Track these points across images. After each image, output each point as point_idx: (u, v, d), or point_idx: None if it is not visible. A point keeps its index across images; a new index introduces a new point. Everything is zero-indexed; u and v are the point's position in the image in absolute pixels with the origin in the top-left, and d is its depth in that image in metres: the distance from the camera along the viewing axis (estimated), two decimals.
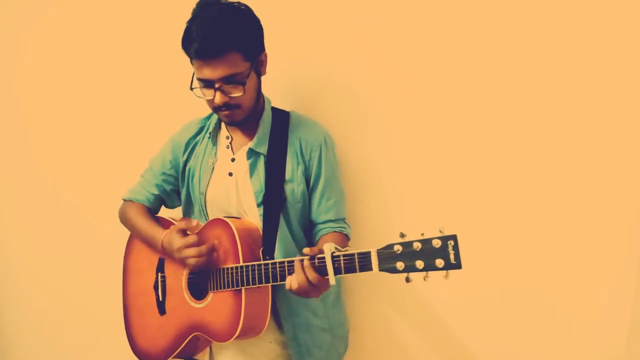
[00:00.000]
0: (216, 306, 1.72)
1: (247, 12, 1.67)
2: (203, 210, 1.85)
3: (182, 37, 1.62)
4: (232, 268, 1.68)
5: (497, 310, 1.89)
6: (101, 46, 2.43)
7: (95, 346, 2.67)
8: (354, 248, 1.49)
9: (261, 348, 1.82)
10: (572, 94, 1.70)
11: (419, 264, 1.36)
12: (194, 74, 1.66)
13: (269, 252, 1.72)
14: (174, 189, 1.96)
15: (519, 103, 1.77)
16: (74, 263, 2.65)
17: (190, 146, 1.90)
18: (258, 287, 1.65)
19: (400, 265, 1.38)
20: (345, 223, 1.87)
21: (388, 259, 1.40)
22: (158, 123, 2.18)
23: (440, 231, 1.35)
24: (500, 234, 1.85)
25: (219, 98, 1.64)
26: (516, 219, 1.83)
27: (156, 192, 1.95)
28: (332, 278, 1.48)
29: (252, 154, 1.78)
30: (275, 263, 1.61)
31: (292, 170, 1.77)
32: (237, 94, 1.65)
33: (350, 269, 1.46)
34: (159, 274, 1.86)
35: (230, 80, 1.62)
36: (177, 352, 1.83)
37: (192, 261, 1.69)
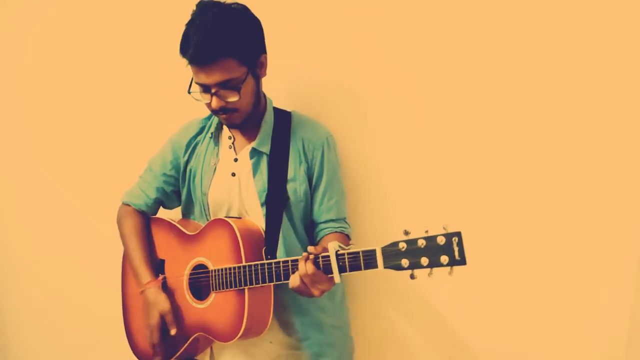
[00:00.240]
0: (218, 306, 1.72)
1: (245, 15, 1.67)
2: (204, 210, 1.85)
3: (180, 41, 1.62)
4: (234, 268, 1.67)
5: (498, 310, 1.89)
6: (101, 46, 2.43)
7: (95, 346, 2.66)
8: (357, 246, 1.49)
9: (262, 348, 1.82)
10: (572, 95, 1.71)
11: (424, 260, 1.37)
12: (192, 78, 1.67)
13: (271, 252, 1.72)
14: (174, 190, 1.96)
15: (519, 103, 1.77)
16: (74, 263, 2.64)
17: (191, 146, 1.90)
18: (261, 286, 1.65)
19: (405, 262, 1.39)
20: (346, 223, 1.88)
21: (393, 256, 1.41)
22: (158, 123, 2.18)
23: (444, 228, 1.36)
24: (501, 234, 1.86)
25: (215, 103, 1.65)
26: (516, 219, 1.83)
27: (155, 195, 1.94)
28: (337, 276, 1.48)
29: (255, 153, 1.78)
30: (278, 262, 1.61)
31: (295, 169, 1.78)
32: (232, 98, 1.65)
33: (355, 267, 1.46)
34: (159, 275, 1.85)
35: (226, 85, 1.63)
36: (178, 353, 1.82)
37: (148, 338, 1.80)
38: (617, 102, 1.67)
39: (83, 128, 2.53)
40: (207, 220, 1.84)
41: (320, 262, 1.51)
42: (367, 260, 1.44)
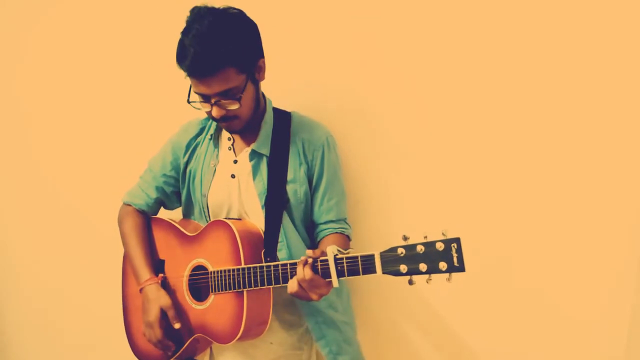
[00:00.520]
0: (218, 308, 1.72)
1: (241, 21, 1.65)
2: (204, 211, 1.85)
3: (176, 51, 1.61)
4: (233, 270, 1.67)
5: (499, 310, 1.90)
6: (101, 46, 2.42)
7: (95, 346, 2.67)
8: (355, 249, 1.49)
9: (262, 349, 1.83)
10: (572, 96, 1.71)
11: (422, 266, 1.37)
12: (190, 88, 1.66)
13: (270, 254, 1.72)
14: (174, 191, 1.96)
15: (520, 105, 1.77)
16: (74, 263, 2.65)
17: (191, 147, 1.90)
18: (260, 289, 1.65)
19: (403, 268, 1.39)
20: (347, 223, 1.87)
21: (391, 261, 1.40)
22: (158, 123, 2.18)
23: (443, 234, 1.35)
24: (501, 234, 1.86)
25: (216, 112, 1.64)
26: (517, 219, 1.83)
27: (155, 195, 1.94)
28: (335, 281, 1.48)
29: (254, 155, 1.77)
30: (277, 265, 1.61)
31: (295, 171, 1.78)
32: (233, 107, 1.64)
33: (353, 272, 1.46)
34: (159, 275, 1.85)
35: (227, 94, 1.62)
36: (178, 353, 1.82)
37: (149, 335, 1.80)
38: (617, 103, 1.66)
39: (83, 128, 2.53)
40: (207, 221, 1.84)
41: (319, 267, 1.50)
42: (365, 265, 1.44)
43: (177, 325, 1.75)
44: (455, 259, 1.33)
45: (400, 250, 1.39)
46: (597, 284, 1.76)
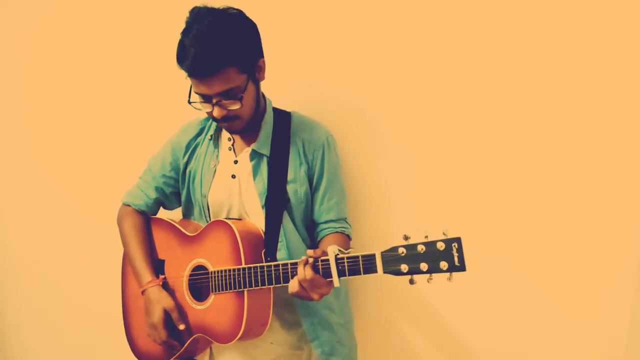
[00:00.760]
0: (218, 308, 1.72)
1: (241, 20, 1.65)
2: (204, 212, 1.85)
3: (176, 51, 1.61)
4: (233, 270, 1.67)
5: (499, 310, 1.90)
6: (101, 47, 2.43)
7: (95, 346, 2.67)
8: (355, 248, 1.49)
9: (262, 349, 1.83)
10: (572, 96, 1.71)
11: (423, 266, 1.37)
12: (191, 88, 1.66)
13: (271, 254, 1.72)
14: (174, 192, 1.96)
15: (520, 105, 1.77)
16: (74, 263, 2.65)
17: (190, 148, 1.89)
18: (260, 288, 1.65)
19: (404, 267, 1.39)
20: (347, 223, 1.87)
21: (392, 261, 1.41)
22: (158, 123, 2.18)
23: (444, 234, 1.36)
24: (502, 233, 1.86)
25: (217, 112, 1.64)
26: (517, 219, 1.83)
27: (155, 195, 1.94)
28: (336, 280, 1.48)
29: (255, 155, 1.77)
30: (277, 265, 1.61)
31: (295, 170, 1.78)
32: (234, 107, 1.64)
33: (354, 271, 1.46)
34: (160, 275, 1.85)
35: (228, 94, 1.62)
36: (177, 353, 1.82)
37: (153, 336, 1.80)
38: (617, 103, 1.67)
39: (83, 128, 2.53)
40: (207, 221, 1.84)
41: (320, 266, 1.50)
42: (366, 264, 1.44)
43: (181, 327, 1.75)
44: (456, 259, 1.33)
45: (401, 250, 1.39)
46: (597, 284, 1.76)
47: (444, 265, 1.34)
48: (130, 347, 1.96)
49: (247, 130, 1.78)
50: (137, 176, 2.00)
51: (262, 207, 1.76)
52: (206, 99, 1.64)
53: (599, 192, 1.72)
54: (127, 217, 1.94)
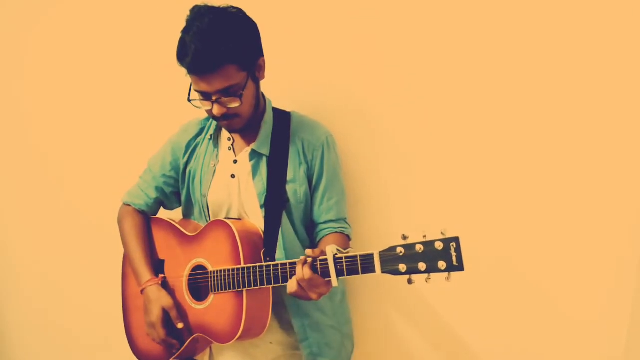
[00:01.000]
0: (217, 308, 1.72)
1: (241, 19, 1.65)
2: (204, 212, 1.85)
3: (177, 49, 1.61)
4: (233, 269, 1.67)
5: (498, 310, 1.90)
6: (101, 47, 2.43)
7: (95, 346, 2.67)
8: (355, 248, 1.49)
9: (262, 349, 1.83)
10: (572, 95, 1.71)
11: (422, 266, 1.36)
12: (191, 86, 1.66)
13: (270, 254, 1.72)
14: (174, 191, 1.96)
15: (520, 105, 1.77)
16: (74, 263, 2.65)
17: (190, 148, 1.90)
18: (259, 288, 1.65)
19: (402, 267, 1.39)
20: (347, 223, 1.87)
21: (390, 261, 1.40)
22: (158, 123, 2.18)
23: (442, 233, 1.35)
24: (502, 233, 1.86)
25: (217, 110, 1.64)
26: (516, 218, 1.83)
27: (155, 195, 1.95)
28: (334, 280, 1.48)
29: (254, 155, 1.78)
30: (276, 265, 1.61)
31: (295, 170, 1.78)
32: (234, 105, 1.64)
33: (352, 271, 1.46)
34: (159, 275, 1.85)
35: (227, 92, 1.62)
36: (177, 353, 1.82)
37: (152, 335, 1.81)
38: (617, 103, 1.66)
39: (83, 128, 2.54)
40: (207, 221, 1.84)
41: (318, 266, 1.50)
42: (364, 264, 1.44)
43: (180, 325, 1.76)
44: (454, 258, 1.33)
45: (400, 250, 1.39)
46: (597, 284, 1.76)
47: (442, 265, 1.34)
48: (130, 346, 1.96)
49: (246, 129, 1.78)
50: (137, 176, 2.00)
51: (261, 207, 1.76)
52: (206, 96, 1.64)
53: (598, 192, 1.72)
54: (127, 217, 1.95)
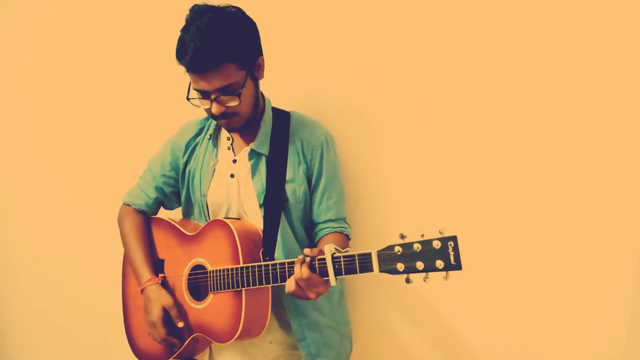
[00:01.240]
0: (216, 307, 1.72)
1: (240, 18, 1.66)
2: (203, 211, 1.85)
3: (176, 48, 1.61)
4: (232, 269, 1.68)
5: (498, 309, 1.89)
6: (101, 47, 2.43)
7: (96, 346, 2.68)
8: (354, 248, 1.49)
9: (262, 349, 1.83)
10: (572, 95, 1.70)
11: (419, 265, 1.36)
12: (190, 84, 1.66)
13: (269, 253, 1.72)
14: (174, 191, 1.96)
15: (519, 105, 1.77)
16: (74, 263, 2.65)
17: (190, 147, 1.90)
18: (258, 288, 1.65)
19: (400, 266, 1.39)
20: (346, 223, 1.87)
21: (388, 260, 1.40)
22: (158, 123, 2.18)
23: (440, 232, 1.35)
24: (501, 233, 1.86)
25: (215, 108, 1.64)
26: (517, 218, 1.83)
27: (155, 195, 1.95)
28: (332, 279, 1.48)
29: (253, 154, 1.78)
30: (275, 264, 1.61)
31: (294, 170, 1.78)
32: (233, 103, 1.64)
33: (350, 270, 1.46)
34: (159, 275, 1.85)
35: (226, 90, 1.62)
36: (177, 353, 1.83)
37: (152, 334, 1.81)
38: (617, 102, 1.66)
39: (83, 128, 2.54)
40: (207, 221, 1.84)
41: (316, 265, 1.50)
42: (362, 263, 1.44)
43: (180, 324, 1.76)
44: (452, 257, 1.33)
45: (397, 249, 1.39)
46: (597, 284, 1.75)
47: (439, 264, 1.33)
48: (131, 346, 1.97)
49: (246, 129, 1.78)
50: (137, 176, 2.00)
51: (260, 206, 1.76)
52: (205, 95, 1.64)
53: (598, 191, 1.72)
54: (127, 217, 1.95)
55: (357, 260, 1.45)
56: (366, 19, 1.93)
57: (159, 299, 1.78)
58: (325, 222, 1.83)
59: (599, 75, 1.67)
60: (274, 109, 1.85)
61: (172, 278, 1.84)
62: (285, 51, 2.01)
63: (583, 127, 1.71)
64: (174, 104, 1.94)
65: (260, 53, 1.72)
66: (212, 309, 1.73)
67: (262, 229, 1.76)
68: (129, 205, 1.97)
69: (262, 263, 1.64)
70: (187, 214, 1.96)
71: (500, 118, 1.80)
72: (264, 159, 1.78)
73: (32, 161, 2.69)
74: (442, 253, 1.34)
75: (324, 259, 1.48)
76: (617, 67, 1.64)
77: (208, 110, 1.68)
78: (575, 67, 1.69)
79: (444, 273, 1.34)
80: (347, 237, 1.85)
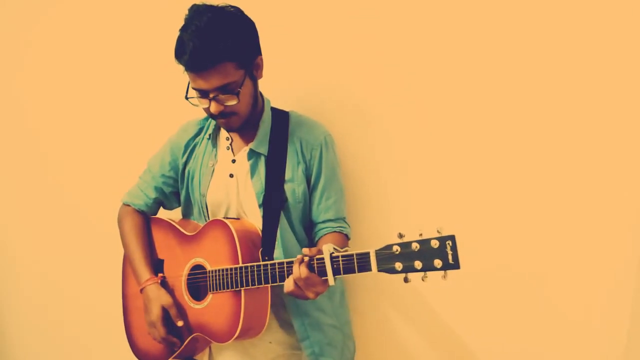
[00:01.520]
0: (216, 307, 1.73)
1: (239, 17, 1.66)
2: (203, 211, 1.85)
3: (175, 47, 1.62)
4: (231, 269, 1.68)
5: (498, 309, 1.89)
6: (101, 47, 2.43)
7: (95, 346, 2.68)
8: (353, 247, 1.49)
9: (261, 348, 1.83)
10: (571, 94, 1.70)
11: (417, 264, 1.36)
12: (189, 84, 1.66)
13: (268, 253, 1.72)
14: (173, 192, 1.96)
15: (518, 103, 1.77)
16: (74, 263, 2.66)
17: (189, 148, 1.90)
18: (257, 288, 1.65)
19: (398, 265, 1.39)
20: (345, 222, 1.87)
21: (386, 259, 1.40)
22: (158, 123, 2.18)
23: (438, 231, 1.35)
24: (501, 233, 1.85)
25: (214, 107, 1.64)
26: (516, 218, 1.82)
27: (154, 195, 1.95)
28: (331, 279, 1.48)
29: (252, 154, 1.78)
30: (274, 264, 1.61)
31: (293, 170, 1.78)
32: (231, 102, 1.64)
33: (349, 270, 1.46)
34: (158, 274, 1.85)
35: (225, 89, 1.62)
36: (177, 352, 1.83)
37: (152, 334, 1.81)
38: (617, 102, 1.66)
39: (83, 128, 2.54)
40: (206, 221, 1.84)
41: (315, 265, 1.50)
42: (360, 263, 1.44)
43: (179, 323, 1.76)
44: (450, 257, 1.33)
45: (396, 248, 1.39)
46: (597, 284, 1.75)
47: (438, 263, 1.33)
48: (130, 346, 1.97)
49: (245, 129, 1.78)
50: (137, 176, 2.00)
51: (259, 206, 1.76)
52: (203, 94, 1.64)
53: (598, 191, 1.71)
54: (127, 217, 1.95)
55: (355, 260, 1.45)
56: (365, 18, 1.93)
57: (158, 298, 1.78)
58: (324, 221, 1.83)
59: (599, 75, 1.67)
60: (273, 109, 1.86)
61: (172, 278, 1.84)
62: (284, 51, 2.01)
63: (582, 126, 1.71)
64: (174, 104, 1.94)
65: (259, 52, 1.72)
66: (212, 308, 1.74)
67: (261, 228, 1.76)
68: (128, 205, 1.97)
69: (261, 263, 1.64)
70: (187, 214, 1.96)
71: (499, 118, 1.80)
72: (263, 158, 1.78)
73: (32, 161, 2.69)
74: (440, 252, 1.34)
75: (323, 258, 1.48)
76: (617, 67, 1.64)
77: (207, 110, 1.68)
78: (574, 66, 1.69)
79: (442, 272, 1.34)
80: (347, 237, 1.85)
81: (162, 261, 1.89)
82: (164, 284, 1.83)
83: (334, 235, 1.81)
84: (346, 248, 1.51)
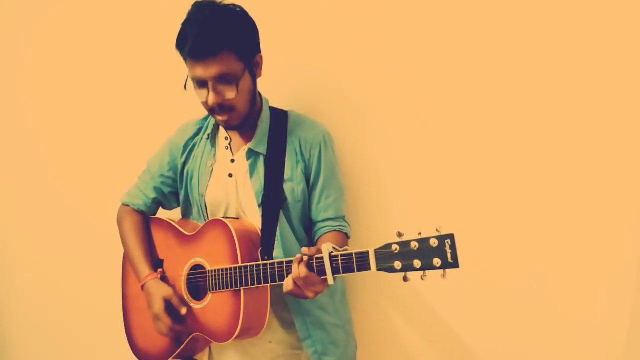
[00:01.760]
0: (215, 307, 1.73)
1: (242, 13, 1.67)
2: (202, 211, 1.85)
3: (177, 38, 1.63)
4: (230, 269, 1.68)
5: (498, 309, 1.89)
6: (101, 47, 2.44)
7: (96, 346, 2.68)
8: (352, 246, 1.49)
9: (261, 348, 1.83)
10: (571, 94, 1.70)
11: (417, 263, 1.36)
12: (188, 75, 1.67)
13: (267, 253, 1.72)
14: (172, 192, 1.96)
15: (518, 103, 1.76)
16: (74, 263, 2.66)
17: (188, 148, 1.90)
18: (257, 287, 1.65)
19: (397, 264, 1.38)
20: (345, 221, 1.87)
21: (386, 258, 1.40)
22: (157, 123, 2.18)
23: (438, 230, 1.35)
24: (500, 234, 1.85)
25: (212, 98, 1.64)
26: (516, 218, 1.82)
27: (154, 195, 1.95)
28: (330, 278, 1.48)
29: (251, 154, 1.78)
30: (273, 264, 1.61)
31: (292, 169, 1.78)
32: (230, 94, 1.64)
33: (348, 269, 1.46)
34: (159, 270, 1.86)
35: (224, 79, 1.62)
36: (176, 352, 1.83)
37: (158, 328, 1.79)
38: (617, 102, 1.65)
39: (83, 129, 2.55)
40: (205, 221, 1.84)
41: (314, 264, 1.50)
42: (360, 262, 1.44)
43: (183, 311, 1.75)
44: (449, 255, 1.32)
45: (395, 247, 1.39)
46: (597, 284, 1.75)
47: (437, 262, 1.33)
48: (131, 346, 1.97)
49: (243, 128, 1.78)
50: (137, 176, 2.01)
51: (259, 205, 1.76)
52: (202, 84, 1.64)
53: (598, 191, 1.71)
54: (126, 217, 1.95)
55: (354, 259, 1.45)
56: (364, 18, 1.93)
57: (159, 291, 1.78)
58: (324, 220, 1.83)
59: (598, 75, 1.66)
60: (272, 109, 1.86)
61: (172, 278, 1.84)
62: (284, 51, 2.01)
63: (581, 126, 1.70)
64: (174, 104, 1.95)
65: (259, 51, 1.73)
66: (211, 308, 1.74)
67: (260, 228, 1.76)
68: (127, 205, 1.97)
69: (261, 262, 1.64)
70: (186, 214, 1.96)
71: (499, 117, 1.80)
72: (262, 158, 1.78)
73: (32, 161, 2.69)
74: (440, 251, 1.33)
75: (322, 257, 1.48)
76: (616, 67, 1.64)
77: (205, 104, 1.67)
78: (574, 66, 1.69)
79: (441, 271, 1.34)
80: (347, 236, 1.85)
81: (161, 261, 1.89)
82: (163, 280, 1.84)
83: (334, 234, 1.81)
84: (345, 247, 1.51)
